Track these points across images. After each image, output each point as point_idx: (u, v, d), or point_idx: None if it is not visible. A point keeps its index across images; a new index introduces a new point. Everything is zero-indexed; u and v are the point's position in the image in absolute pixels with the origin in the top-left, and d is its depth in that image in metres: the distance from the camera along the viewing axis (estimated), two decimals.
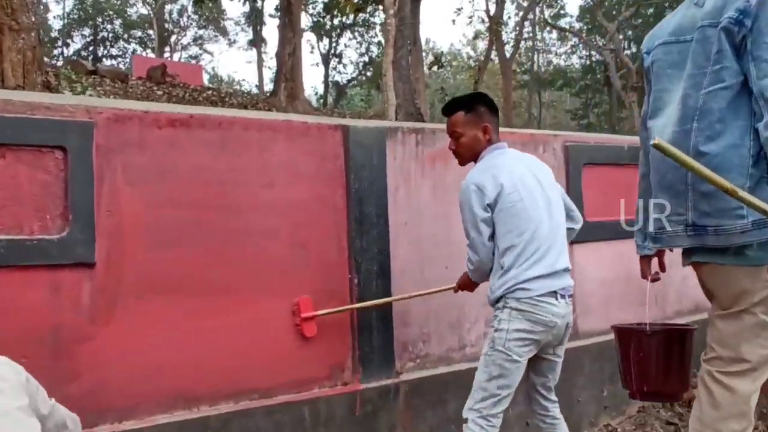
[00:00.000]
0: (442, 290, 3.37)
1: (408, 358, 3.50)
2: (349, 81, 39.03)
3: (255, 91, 33.62)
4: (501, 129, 3.86)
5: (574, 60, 38.77)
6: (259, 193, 3.04)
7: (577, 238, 4.04)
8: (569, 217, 3.16)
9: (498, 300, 2.89)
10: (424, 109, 21.19)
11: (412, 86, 20.50)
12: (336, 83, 38.48)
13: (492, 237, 2.88)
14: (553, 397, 3.05)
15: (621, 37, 28.71)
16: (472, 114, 2.99)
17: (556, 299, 2.87)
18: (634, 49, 31.51)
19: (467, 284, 3.15)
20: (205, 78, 38.23)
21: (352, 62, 43.29)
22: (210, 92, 21.53)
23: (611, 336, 4.39)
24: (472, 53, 42.66)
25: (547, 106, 42.17)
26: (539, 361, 2.98)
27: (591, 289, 4.26)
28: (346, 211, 3.29)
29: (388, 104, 12.72)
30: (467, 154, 3.04)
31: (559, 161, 4.12)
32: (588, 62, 35.76)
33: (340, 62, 38.15)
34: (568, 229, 3.15)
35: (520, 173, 2.92)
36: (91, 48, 39.51)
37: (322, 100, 37.11)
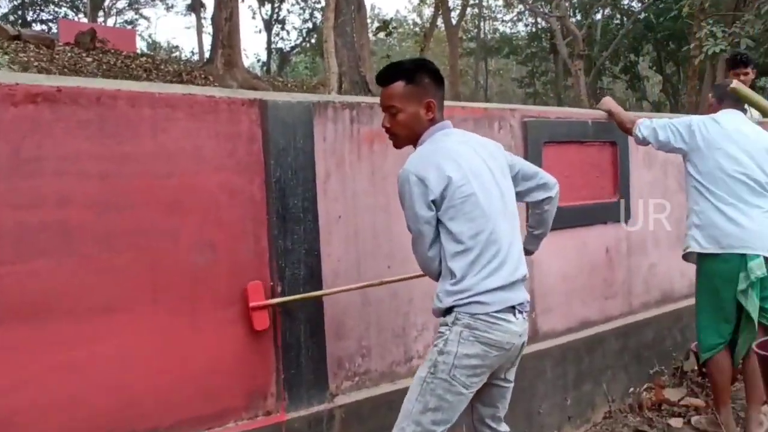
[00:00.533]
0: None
1: (344, 377, 2.96)
2: (292, 48, 37.92)
3: (196, 58, 32.30)
4: (450, 103, 3.32)
5: (520, 27, 38.35)
6: (153, 185, 2.43)
7: None
8: (538, 186, 2.69)
9: (447, 312, 2.38)
10: (369, 77, 20.47)
11: (356, 53, 19.76)
12: (279, 50, 37.34)
13: (437, 239, 2.38)
14: (504, 427, 2.56)
15: (567, 4, 28.29)
16: (414, 85, 2.44)
17: (514, 316, 2.39)
18: (579, 17, 31.21)
19: None
20: (143, 44, 36.66)
21: (295, 28, 42.08)
22: (144, 59, 20.41)
23: (574, 336, 3.95)
24: (418, 20, 41.88)
25: (493, 74, 41.76)
26: (489, 388, 2.48)
27: (552, 284, 3.77)
28: (266, 205, 2.71)
29: (330, 72, 12.05)
30: (405, 135, 2.49)
31: (516, 139, 3.59)
32: (534, 30, 35.35)
33: (283, 28, 37.07)
34: (545, 199, 2.72)
35: (470, 160, 2.41)
36: (19, 12, 37.42)
37: (265, 68, 35.94)
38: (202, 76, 17.99)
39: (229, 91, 2.67)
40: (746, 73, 5.31)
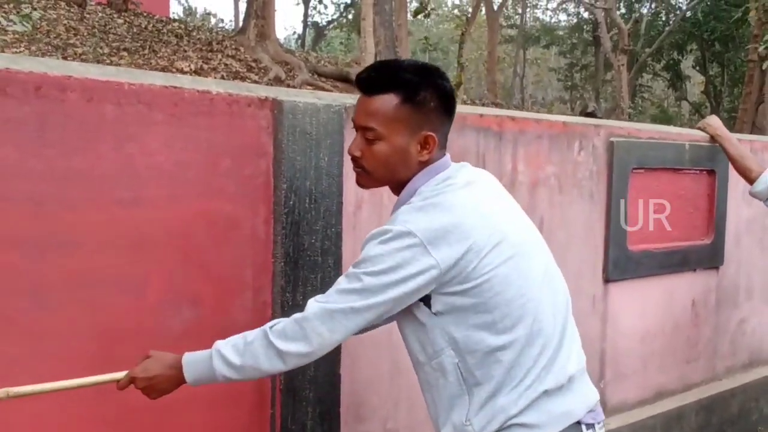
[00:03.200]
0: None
1: None
2: (329, 22, 37.07)
3: (231, 26, 31.57)
4: (521, 114, 2.60)
5: (562, 17, 37.19)
6: (111, 216, 1.71)
7: (614, 276, 2.83)
8: None
9: None
10: (405, 58, 19.73)
11: (393, 32, 18.99)
12: (315, 24, 36.52)
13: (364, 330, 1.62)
14: None
15: None
16: (412, 106, 1.57)
17: None
18: (623, 10, 30.07)
19: (153, 378, 1.60)
20: (179, 9, 35.95)
21: (333, 2, 41.21)
22: (177, 24, 19.74)
23: (649, 411, 3.21)
24: (456, 1, 40.82)
25: (530, 63, 40.64)
26: None
27: (627, 345, 3.02)
28: (272, 245, 1.99)
29: (366, 52, 11.28)
30: (378, 176, 1.64)
31: (600, 164, 2.83)
32: (576, 20, 34.18)
33: (320, 2, 36.09)
34: None
35: (498, 210, 1.61)
36: None
37: (300, 42, 35.18)
38: (233, 46, 17.30)
39: (231, 85, 1.94)
40: None
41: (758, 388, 3.63)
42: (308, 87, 13.41)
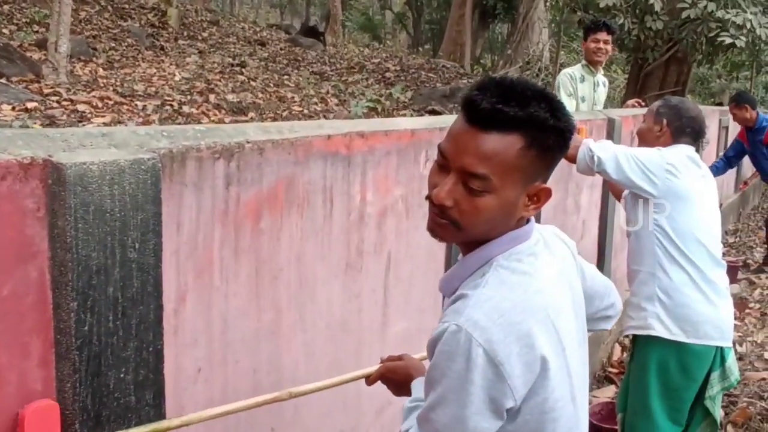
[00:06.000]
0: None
1: None
2: None
3: None
4: (360, 124, 2.04)
5: None
6: None
7: None
8: (602, 318, 1.53)
9: None
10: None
11: None
12: None
13: None
14: None
15: None
16: (536, 152, 1.15)
17: None
18: None
19: (394, 379, 1.50)
20: None
21: None
22: None
23: None
24: None
25: None
26: None
27: None
28: (56, 406, 1.22)
29: None
30: (474, 233, 1.20)
31: None
32: None
33: None
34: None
35: (567, 320, 1.24)
36: None
37: None
38: None
39: None
40: (606, 41, 4.35)
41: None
42: None
